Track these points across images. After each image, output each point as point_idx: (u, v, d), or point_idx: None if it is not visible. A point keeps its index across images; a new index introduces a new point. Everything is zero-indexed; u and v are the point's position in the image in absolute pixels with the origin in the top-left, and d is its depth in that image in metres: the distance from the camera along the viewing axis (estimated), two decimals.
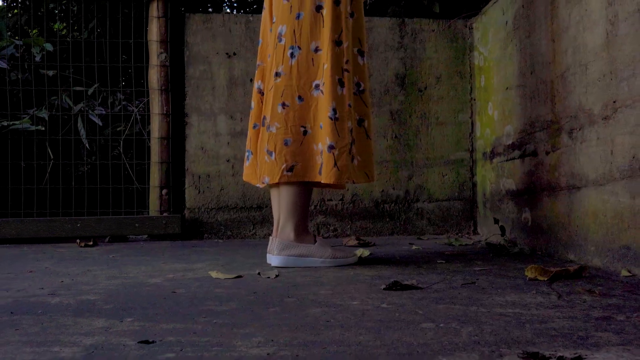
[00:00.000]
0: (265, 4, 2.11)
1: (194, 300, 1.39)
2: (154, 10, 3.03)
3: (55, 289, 1.58)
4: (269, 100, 1.99)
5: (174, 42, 3.09)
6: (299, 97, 1.94)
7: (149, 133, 3.18)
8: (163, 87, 3.04)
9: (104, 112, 3.26)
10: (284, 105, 1.94)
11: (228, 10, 4.68)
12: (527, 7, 2.47)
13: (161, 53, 3.03)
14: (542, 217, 2.36)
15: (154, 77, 3.04)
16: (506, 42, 2.71)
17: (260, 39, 2.14)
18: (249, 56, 3.10)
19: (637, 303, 1.31)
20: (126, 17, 3.50)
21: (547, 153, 2.30)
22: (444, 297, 1.41)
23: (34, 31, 3.49)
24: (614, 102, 1.83)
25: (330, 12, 1.92)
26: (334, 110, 1.88)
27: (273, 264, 1.98)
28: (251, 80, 3.09)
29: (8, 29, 3.61)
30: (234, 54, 3.11)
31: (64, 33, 3.94)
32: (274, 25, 2.00)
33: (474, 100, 3.20)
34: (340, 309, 1.28)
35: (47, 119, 3.08)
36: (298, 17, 1.95)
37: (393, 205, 3.19)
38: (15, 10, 3.79)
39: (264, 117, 2.00)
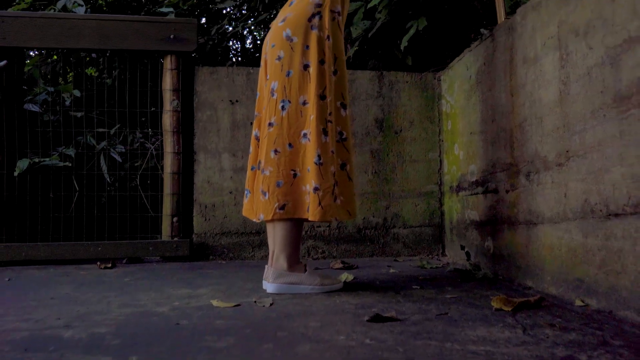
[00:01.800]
0: (262, 63, 2.03)
1: (195, 335, 1.28)
2: (168, 63, 2.94)
3: (70, 320, 1.46)
4: (263, 147, 1.90)
5: (185, 90, 2.99)
6: (289, 145, 1.86)
7: (162, 167, 3.07)
8: (175, 130, 2.93)
9: (123, 150, 3.15)
10: (276, 151, 1.86)
11: (233, 60, 4.60)
12: (488, 65, 2.40)
13: (173, 100, 2.93)
14: (503, 246, 2.27)
15: (167, 120, 2.94)
16: (470, 94, 2.64)
17: (258, 92, 2.06)
18: (249, 103, 3.01)
19: (594, 339, 1.21)
20: (144, 66, 3.41)
21: (507, 191, 2.21)
22: (421, 331, 1.31)
23: (70, 74, 3.37)
24: (567, 151, 1.75)
25: (316, 70, 1.84)
26: (319, 156, 1.80)
27: (268, 291, 1.88)
28: (251, 123, 3.00)
29: (41, 76, 3.50)
30: (237, 101, 3.02)
31: (94, 74, 3.84)
32: (268, 81, 1.93)
33: (442, 141, 3.12)
34: (327, 345, 1.17)
35: (73, 156, 2.96)
36: (288, 74, 1.87)
37: (373, 230, 3.09)
38: (55, 57, 3.68)
39: (260, 161, 1.91)
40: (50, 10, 3.52)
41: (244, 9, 4.34)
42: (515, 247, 2.14)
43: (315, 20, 1.87)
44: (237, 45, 5.09)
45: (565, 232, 1.76)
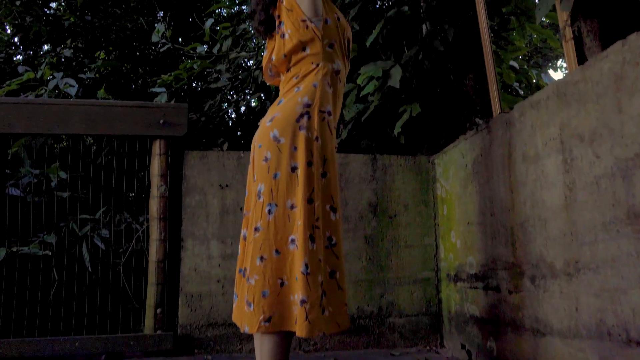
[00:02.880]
0: (251, 159, 1.88)
1: None
2: (157, 148, 2.81)
3: None
4: (248, 253, 1.74)
5: (173, 175, 2.85)
6: (276, 251, 1.69)
7: (148, 250, 2.88)
8: (162, 216, 2.77)
9: (107, 235, 2.96)
10: (262, 258, 1.69)
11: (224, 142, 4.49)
12: (485, 156, 2.28)
13: (161, 185, 2.78)
14: (507, 350, 2.06)
15: (154, 207, 2.78)
16: (466, 182, 2.50)
17: (247, 190, 1.90)
18: (240, 187, 2.86)
19: None
20: (133, 146, 3.28)
21: (510, 292, 2.03)
22: None
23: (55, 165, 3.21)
24: (577, 262, 1.59)
25: (304, 172, 1.70)
26: (306, 265, 1.63)
27: None
28: (241, 209, 2.84)
29: (28, 156, 3.35)
30: (227, 185, 2.87)
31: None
32: (254, 183, 1.78)
33: (438, 225, 2.96)
34: None
35: (54, 243, 2.77)
36: (275, 176, 1.73)
37: (368, 320, 2.87)
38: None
39: (245, 269, 1.73)
40: (41, 91, 3.43)
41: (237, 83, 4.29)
42: (522, 353, 1.94)
43: (304, 120, 1.74)
44: (230, 111, 5.01)
45: (579, 351, 1.57)
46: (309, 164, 1.72)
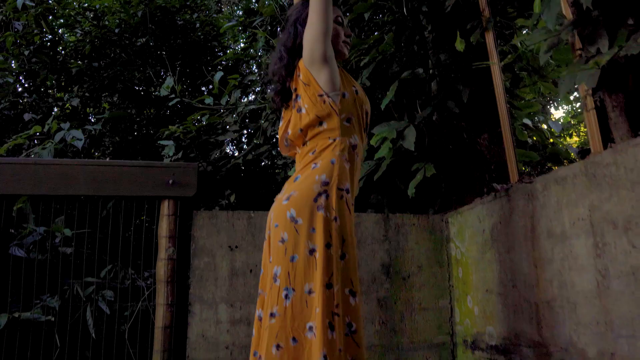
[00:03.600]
0: (266, 236, 1.80)
1: None
2: (165, 209, 2.74)
3: None
4: (264, 339, 1.64)
5: (182, 236, 2.77)
6: (293, 339, 1.60)
7: (154, 308, 2.77)
8: (169, 279, 2.68)
9: (112, 298, 2.86)
10: (278, 346, 1.60)
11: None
12: (505, 225, 2.20)
13: (169, 247, 2.70)
14: None
15: (161, 269, 2.69)
16: (484, 248, 2.42)
17: (262, 269, 1.82)
18: (250, 249, 2.78)
19: None
20: (139, 208, 3.21)
21: None
22: None
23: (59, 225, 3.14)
24: (612, 354, 1.49)
25: (322, 255, 1.62)
26: (325, 357, 1.53)
27: None
28: (251, 270, 2.75)
29: (32, 211, 3.29)
30: (236, 247, 2.79)
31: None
32: (270, 265, 1.70)
33: (452, 287, 2.87)
34: None
35: (57, 308, 2.67)
36: (292, 259, 1.64)
37: None
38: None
39: (260, 356, 1.64)
40: (48, 144, 3.38)
41: (244, 135, 4.25)
42: None
43: (322, 200, 1.67)
44: (239, 161, 4.94)
45: None
46: (327, 245, 1.64)
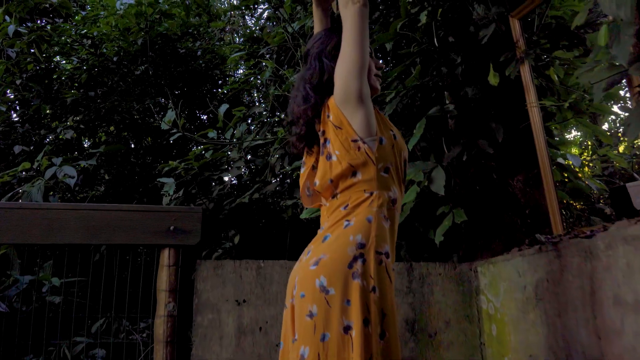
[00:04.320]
0: (287, 304, 1.53)
1: None
2: (165, 259, 2.46)
3: None
4: None
5: (183, 288, 2.48)
6: None
7: None
8: (169, 339, 2.38)
9: (104, 356, 2.56)
10: None
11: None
12: (554, 284, 1.94)
13: (169, 303, 2.41)
14: None
15: (160, 328, 2.39)
16: (526, 307, 2.15)
17: (282, 342, 1.54)
18: (259, 303, 2.50)
19: None
20: (136, 256, 2.94)
21: None
22: None
23: (49, 263, 2.87)
24: None
25: (359, 334, 1.34)
26: None
27: None
28: (260, 328, 2.46)
29: (17, 256, 3.00)
30: (244, 301, 2.51)
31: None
32: (296, 344, 1.42)
33: (484, 345, 2.58)
34: None
35: None
36: (323, 338, 1.37)
37: None
38: None
39: None
40: (37, 181, 3.11)
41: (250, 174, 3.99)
42: None
43: (358, 265, 1.41)
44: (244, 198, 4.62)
45: None
46: (365, 322, 1.37)
